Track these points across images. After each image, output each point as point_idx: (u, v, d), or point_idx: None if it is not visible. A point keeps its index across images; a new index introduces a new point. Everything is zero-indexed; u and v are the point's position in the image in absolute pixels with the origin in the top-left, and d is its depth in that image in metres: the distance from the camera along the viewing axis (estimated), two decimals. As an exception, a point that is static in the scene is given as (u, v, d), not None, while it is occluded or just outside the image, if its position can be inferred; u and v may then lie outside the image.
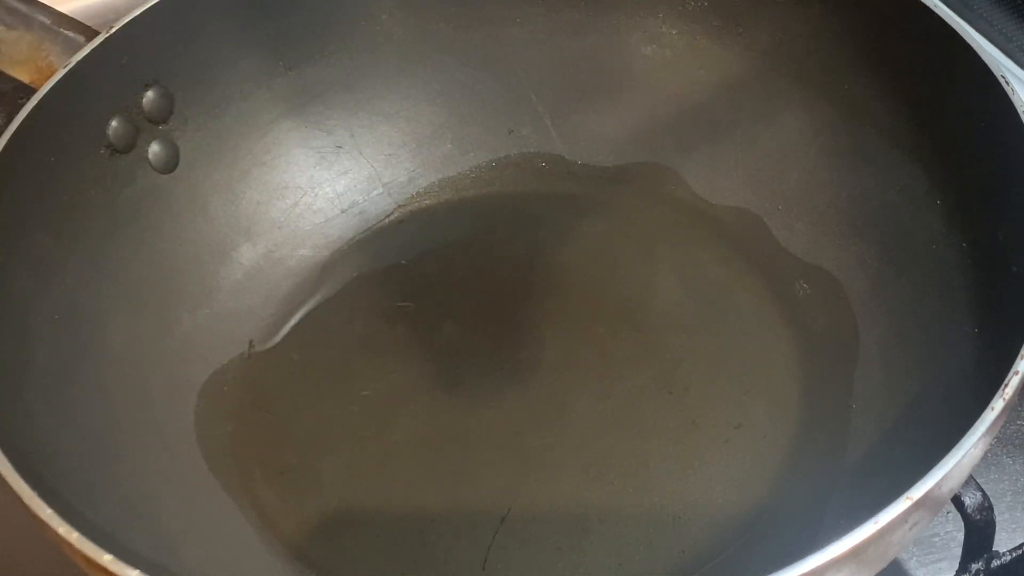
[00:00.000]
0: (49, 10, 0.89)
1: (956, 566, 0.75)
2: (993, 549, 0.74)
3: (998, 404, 0.65)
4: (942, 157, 0.86)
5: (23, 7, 0.87)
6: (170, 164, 0.95)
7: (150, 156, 0.93)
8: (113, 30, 0.88)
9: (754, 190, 1.00)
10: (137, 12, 0.90)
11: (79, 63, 0.85)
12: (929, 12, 0.84)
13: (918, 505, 0.61)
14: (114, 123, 0.89)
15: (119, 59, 0.89)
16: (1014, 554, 0.74)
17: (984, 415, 0.64)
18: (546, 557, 0.81)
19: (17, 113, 0.81)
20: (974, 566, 0.73)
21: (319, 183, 1.05)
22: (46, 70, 0.85)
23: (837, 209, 0.95)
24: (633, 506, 0.83)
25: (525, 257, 1.00)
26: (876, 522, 0.60)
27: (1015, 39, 1.13)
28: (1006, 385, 0.65)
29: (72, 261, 0.87)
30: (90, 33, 0.89)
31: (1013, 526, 0.85)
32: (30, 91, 0.84)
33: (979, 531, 0.73)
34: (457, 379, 0.92)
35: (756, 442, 0.86)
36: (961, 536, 0.74)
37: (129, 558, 0.59)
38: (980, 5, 1.15)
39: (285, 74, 1.01)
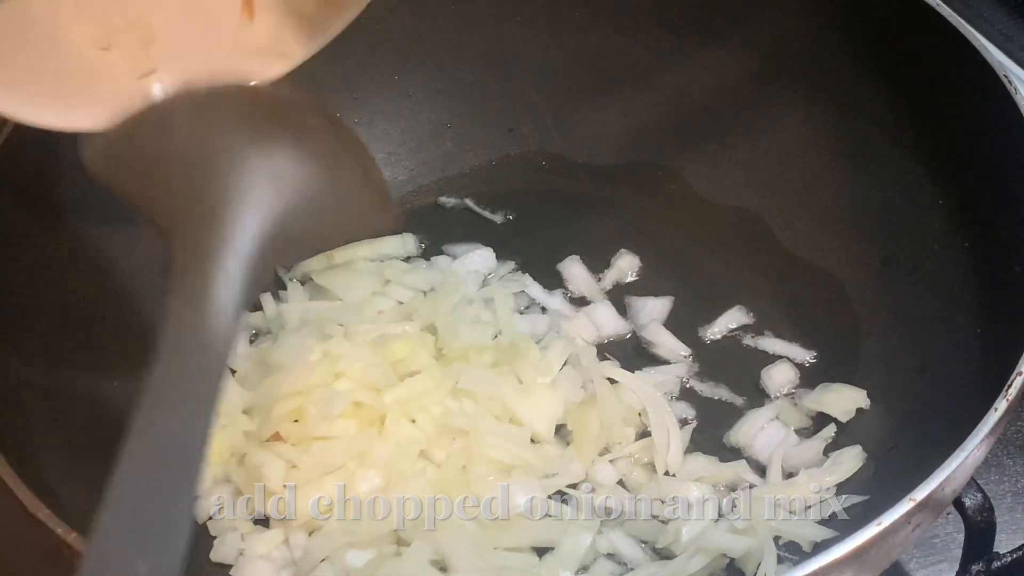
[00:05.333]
0: None
1: (956, 567, 0.75)
2: (993, 550, 0.74)
3: (1001, 405, 0.65)
4: (944, 157, 0.86)
5: None
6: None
7: (149, 154, 0.93)
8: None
9: (755, 189, 1.00)
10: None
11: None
12: (931, 11, 0.84)
13: (921, 506, 0.61)
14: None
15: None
16: (1015, 555, 0.73)
17: (988, 416, 0.64)
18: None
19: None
20: (974, 567, 0.73)
21: (318, 181, 1.05)
22: None
23: (838, 209, 0.95)
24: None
25: (526, 256, 1.00)
26: (879, 523, 0.60)
27: (1015, 39, 1.13)
28: (1009, 386, 0.65)
29: (68, 260, 0.86)
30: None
31: (1013, 527, 0.85)
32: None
33: (980, 532, 0.72)
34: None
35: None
36: (961, 537, 0.74)
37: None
38: (980, 5, 1.15)
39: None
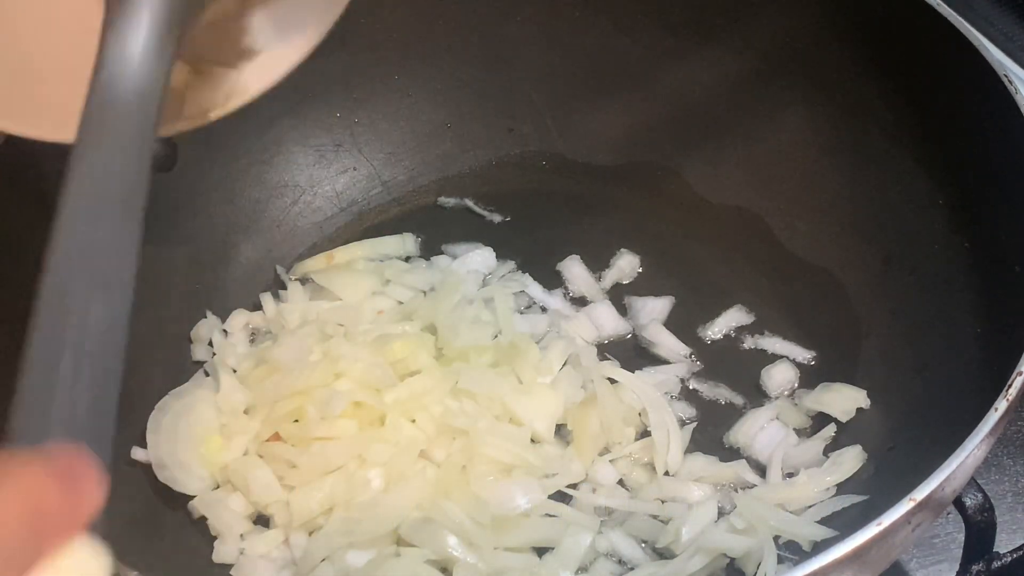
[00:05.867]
0: None
1: (956, 567, 0.75)
2: (994, 550, 0.74)
3: (1002, 405, 0.64)
4: (944, 157, 0.86)
5: None
6: (168, 162, 0.94)
7: (149, 154, 0.93)
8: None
9: (755, 189, 1.00)
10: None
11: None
12: (932, 11, 0.84)
13: (921, 506, 0.61)
14: (112, 121, 0.89)
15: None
16: (1015, 555, 0.73)
17: (988, 416, 0.64)
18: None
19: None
20: (975, 567, 0.73)
21: (318, 181, 1.05)
22: None
23: (838, 209, 0.95)
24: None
25: (526, 256, 1.00)
26: (879, 523, 0.60)
27: (1015, 39, 1.13)
28: (1010, 386, 0.65)
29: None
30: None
31: (1014, 527, 0.85)
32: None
33: (980, 532, 0.72)
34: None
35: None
36: (961, 537, 0.74)
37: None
38: (981, 5, 1.15)
39: (284, 72, 1.01)
